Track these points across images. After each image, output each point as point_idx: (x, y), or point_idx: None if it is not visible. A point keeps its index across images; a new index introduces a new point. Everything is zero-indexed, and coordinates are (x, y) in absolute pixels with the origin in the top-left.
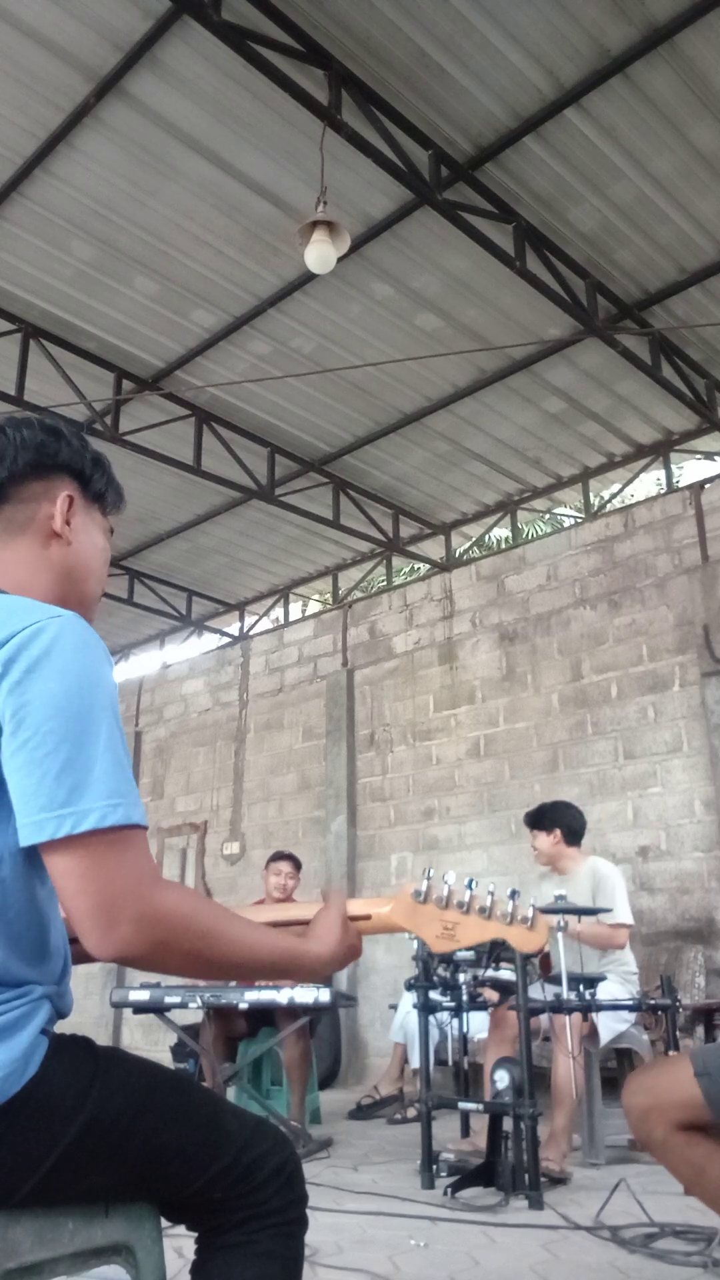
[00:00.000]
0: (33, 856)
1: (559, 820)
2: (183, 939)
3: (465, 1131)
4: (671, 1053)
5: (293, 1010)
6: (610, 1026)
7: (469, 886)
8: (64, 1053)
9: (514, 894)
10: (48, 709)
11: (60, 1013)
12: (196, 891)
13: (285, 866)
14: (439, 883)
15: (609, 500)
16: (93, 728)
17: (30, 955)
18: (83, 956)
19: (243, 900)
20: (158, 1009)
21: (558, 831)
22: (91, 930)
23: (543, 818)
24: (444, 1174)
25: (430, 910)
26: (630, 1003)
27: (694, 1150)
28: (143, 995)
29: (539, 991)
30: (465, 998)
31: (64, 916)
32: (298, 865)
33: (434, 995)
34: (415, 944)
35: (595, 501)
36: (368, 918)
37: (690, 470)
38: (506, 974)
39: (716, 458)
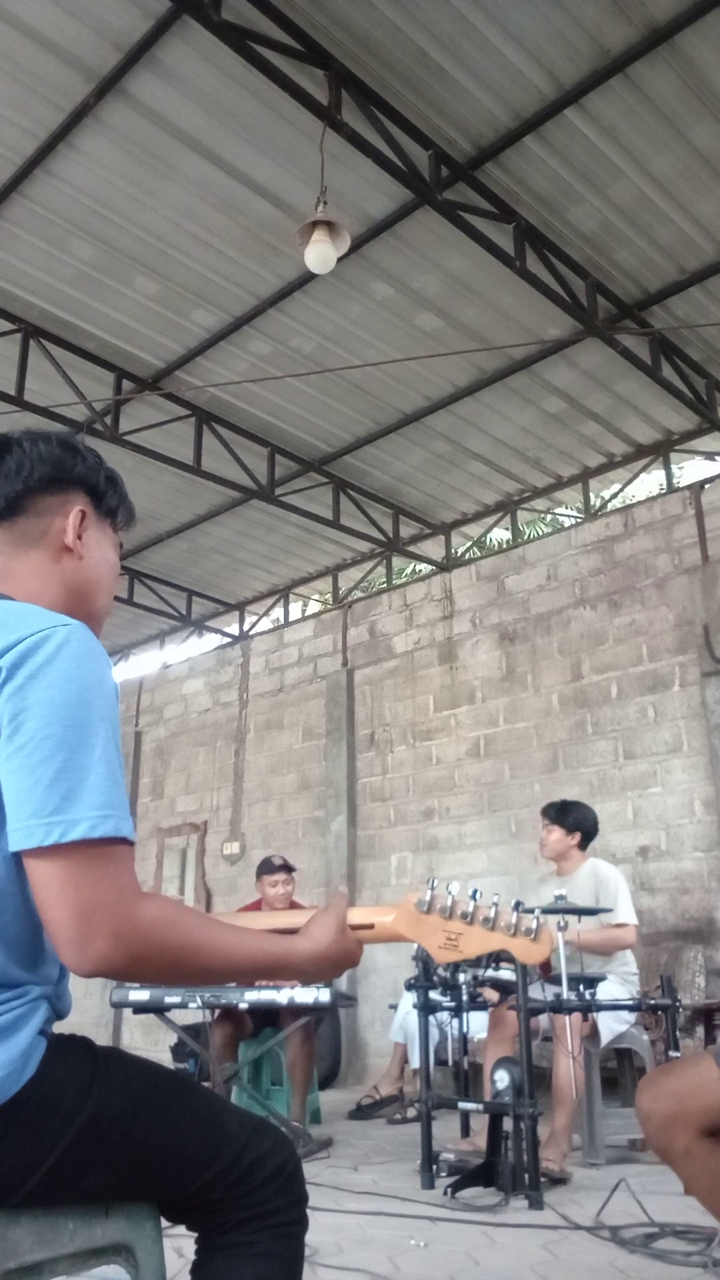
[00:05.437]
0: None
1: (582, 823)
2: (161, 953)
3: (465, 1131)
4: (672, 1053)
5: (296, 1010)
6: (610, 1026)
7: (473, 897)
8: (63, 1053)
9: (518, 905)
10: (46, 715)
11: (59, 1013)
12: (177, 902)
13: (280, 876)
14: (443, 892)
15: (609, 500)
16: (89, 737)
17: (26, 958)
18: None
19: (242, 900)
20: (158, 1009)
21: (578, 834)
22: (68, 944)
23: (567, 815)
24: (444, 1174)
25: (434, 920)
26: (630, 1003)
27: (718, 1160)
28: (143, 995)
29: (539, 991)
30: (465, 998)
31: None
32: (289, 870)
33: (434, 995)
34: (415, 944)
35: (595, 501)
36: (370, 926)
37: (690, 470)
38: (506, 974)
39: (716, 458)
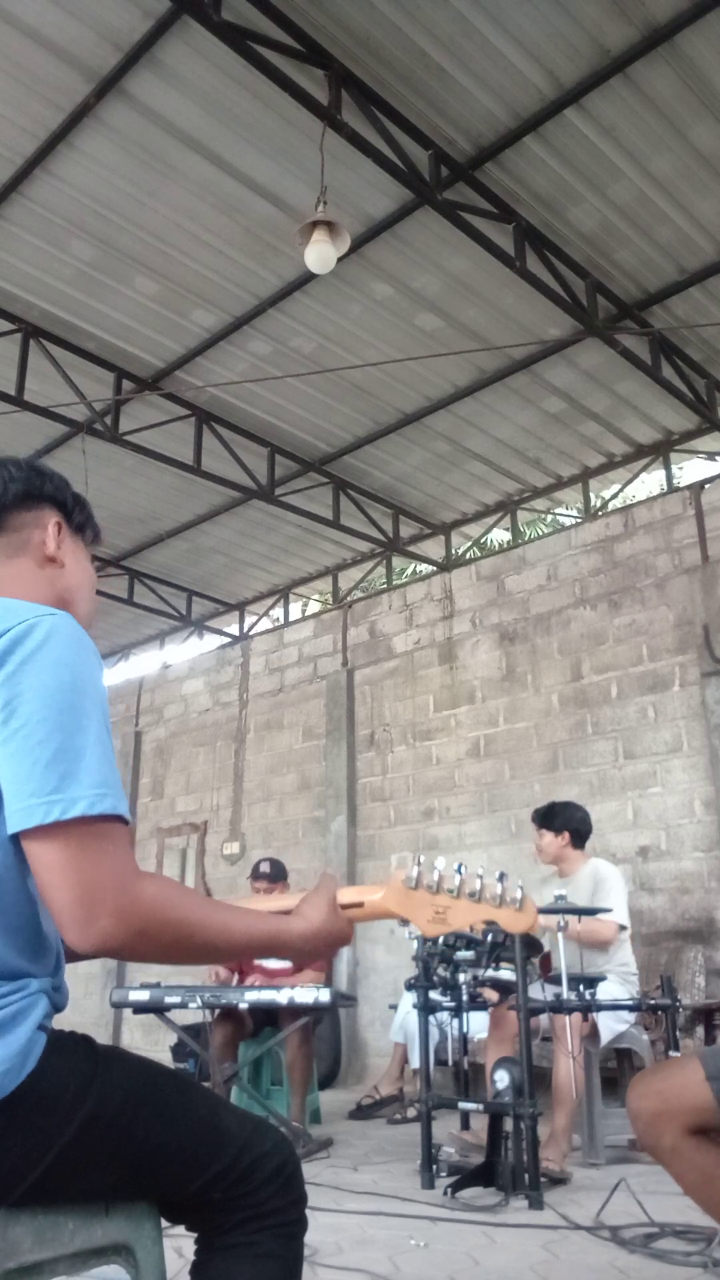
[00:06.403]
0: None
1: (569, 822)
2: (162, 930)
3: (465, 1126)
4: (672, 1053)
5: (295, 1010)
6: (610, 1026)
7: (458, 871)
8: (63, 1049)
9: (502, 876)
10: (40, 699)
11: (57, 1007)
12: (175, 881)
13: (261, 885)
14: (429, 869)
15: (609, 500)
16: (83, 720)
17: (26, 946)
18: (75, 956)
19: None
20: (158, 1009)
21: (566, 834)
22: (72, 923)
23: (553, 818)
24: (444, 1174)
25: (422, 896)
26: (630, 1003)
27: (704, 1156)
28: (143, 995)
29: (539, 991)
30: (465, 998)
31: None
32: (273, 877)
33: (434, 995)
34: (415, 944)
35: (595, 501)
36: (360, 905)
37: (690, 470)
38: (506, 974)
39: (716, 458)
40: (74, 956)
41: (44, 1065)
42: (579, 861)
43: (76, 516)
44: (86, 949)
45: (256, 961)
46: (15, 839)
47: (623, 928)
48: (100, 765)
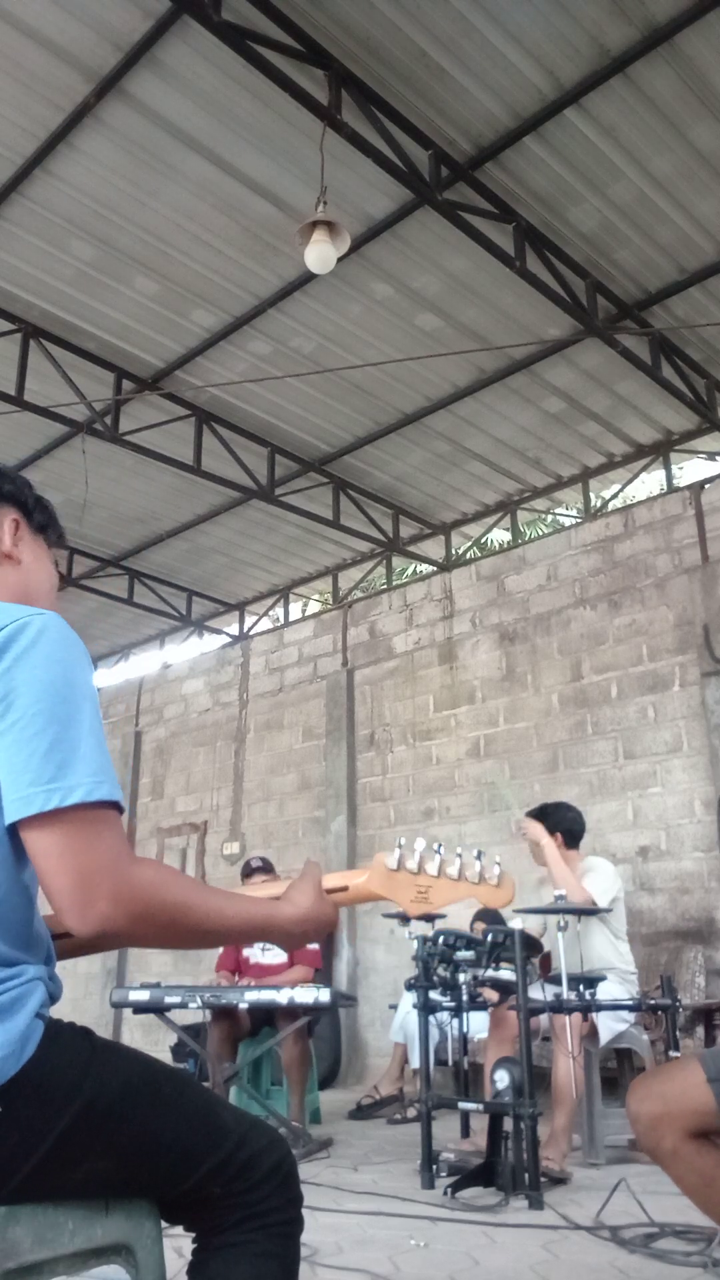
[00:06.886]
0: (17, 837)
1: (561, 823)
2: (159, 912)
3: (465, 1131)
4: (672, 1053)
5: (292, 1010)
6: (610, 1026)
7: (438, 851)
8: (61, 1038)
9: (480, 855)
10: (35, 693)
11: (52, 996)
12: (169, 866)
13: (259, 878)
14: (410, 850)
15: (609, 500)
16: (77, 713)
17: (18, 937)
18: (67, 951)
19: None
20: (158, 1009)
21: (559, 835)
22: (71, 908)
23: (545, 819)
24: (444, 1174)
25: (404, 877)
26: (630, 1003)
27: (704, 1159)
28: (143, 995)
29: (539, 991)
30: (465, 998)
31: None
32: (268, 870)
33: (434, 995)
34: (415, 944)
35: (595, 501)
36: (345, 889)
37: (690, 470)
38: (506, 974)
39: (716, 458)
40: (72, 950)
41: (42, 1053)
42: (574, 861)
43: (38, 517)
44: (85, 932)
45: (254, 961)
46: (10, 832)
47: (600, 909)
48: (95, 754)
